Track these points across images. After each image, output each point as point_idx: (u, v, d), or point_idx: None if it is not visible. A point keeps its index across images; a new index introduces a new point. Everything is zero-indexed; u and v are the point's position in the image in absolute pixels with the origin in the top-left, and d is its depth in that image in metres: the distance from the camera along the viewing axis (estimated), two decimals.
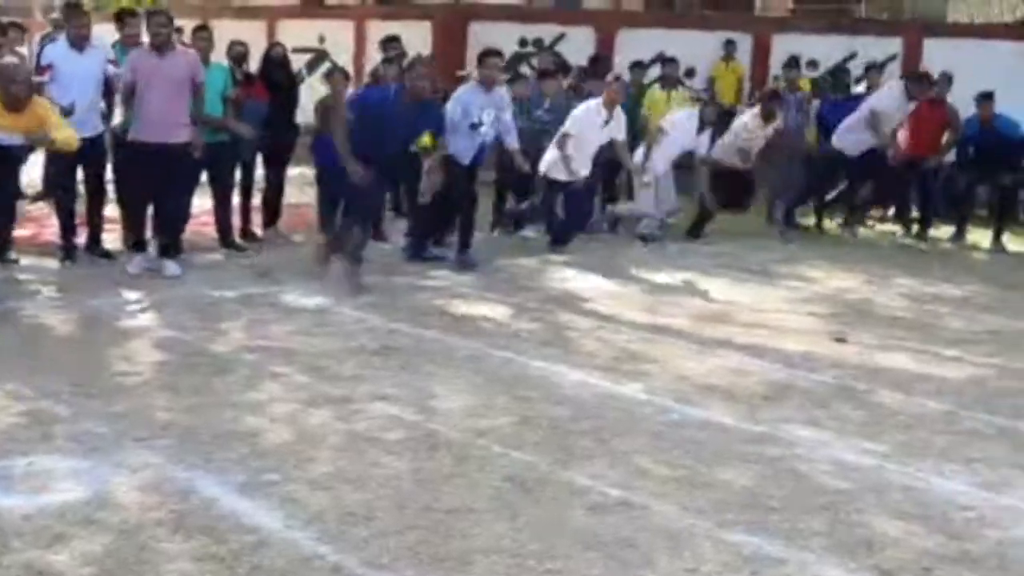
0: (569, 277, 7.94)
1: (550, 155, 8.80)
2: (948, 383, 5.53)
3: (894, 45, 12.11)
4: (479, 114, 7.98)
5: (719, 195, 9.70)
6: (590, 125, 8.79)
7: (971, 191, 10.33)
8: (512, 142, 8.37)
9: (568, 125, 8.77)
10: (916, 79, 9.82)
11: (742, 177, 9.80)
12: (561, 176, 8.79)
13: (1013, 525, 3.79)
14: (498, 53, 8.38)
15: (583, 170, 8.88)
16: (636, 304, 7.13)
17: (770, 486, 4.05)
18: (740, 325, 6.66)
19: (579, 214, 9.10)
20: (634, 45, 12.40)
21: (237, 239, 8.50)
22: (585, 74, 10.60)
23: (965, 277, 8.57)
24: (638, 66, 11.25)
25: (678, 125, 9.47)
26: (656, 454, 4.35)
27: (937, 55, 11.20)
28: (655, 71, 11.58)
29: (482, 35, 12.31)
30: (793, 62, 12.46)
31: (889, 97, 9.91)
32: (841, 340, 6.32)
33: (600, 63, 11.06)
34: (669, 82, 11.07)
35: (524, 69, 12.15)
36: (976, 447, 4.57)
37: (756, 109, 9.86)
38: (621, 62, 11.81)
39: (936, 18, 14.62)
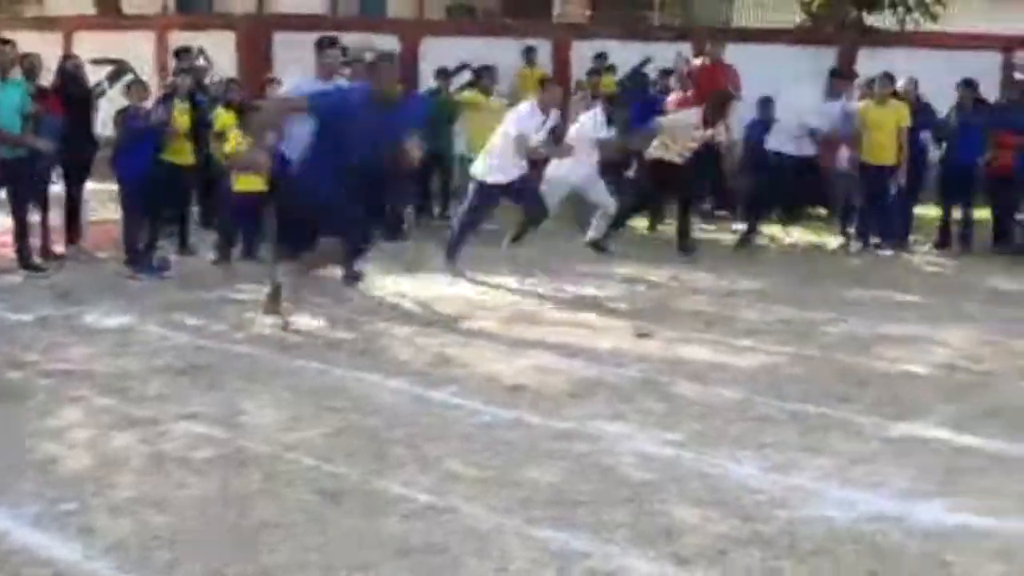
0: (384, 285, 7.94)
1: (486, 161, 8.43)
2: (743, 372, 5.81)
3: (685, 50, 12.58)
4: None
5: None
6: (533, 127, 8.40)
7: (762, 189, 10.83)
8: None
9: (511, 128, 8.35)
10: (839, 75, 9.87)
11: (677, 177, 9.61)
12: (501, 178, 8.37)
13: (801, 505, 4.00)
14: (335, 43, 7.94)
15: (518, 170, 8.45)
16: (450, 308, 7.20)
17: (577, 481, 4.17)
18: (550, 325, 6.82)
19: (539, 206, 8.65)
20: (438, 52, 12.50)
21: (36, 259, 8.16)
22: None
23: (760, 271, 9.00)
24: (442, 73, 11.34)
25: (585, 127, 9.16)
26: (467, 457, 4.42)
27: (726, 58, 11.67)
28: (459, 78, 11.69)
29: (287, 45, 12.17)
30: (599, 64, 12.84)
31: (807, 99, 9.91)
32: (645, 335, 6.55)
33: (405, 71, 11.08)
34: (485, 89, 11.23)
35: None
36: (768, 432, 4.82)
37: (698, 110, 9.73)
38: (426, 69, 11.90)
39: (723, 24, 15.28)
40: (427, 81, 11.67)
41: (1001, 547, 3.61)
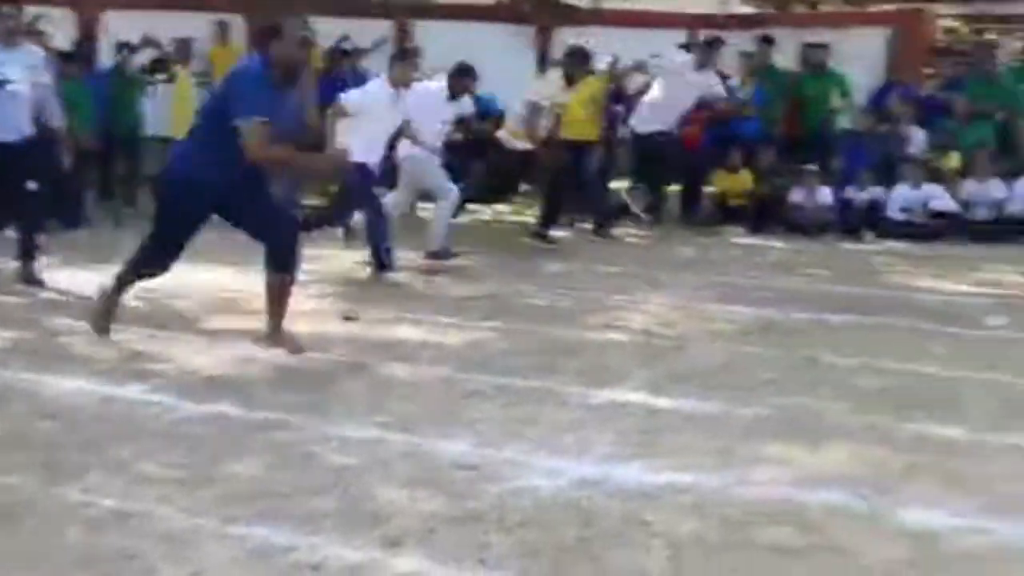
0: (59, 279, 7.31)
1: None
2: (450, 349, 5.77)
3: (385, 27, 12.47)
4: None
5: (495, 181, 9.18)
6: (377, 103, 7.66)
7: (467, 168, 10.91)
8: (54, 114, 7.22)
9: (349, 102, 7.62)
10: (708, 44, 9.66)
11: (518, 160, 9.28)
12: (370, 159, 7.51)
13: (511, 478, 3.97)
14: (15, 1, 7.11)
15: (374, 156, 7.66)
16: (140, 300, 6.73)
17: (279, 473, 3.97)
18: (251, 313, 6.50)
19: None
20: (122, 27, 11.73)
21: None
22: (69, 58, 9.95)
23: (467, 247, 9.02)
24: (125, 48, 10.69)
25: (424, 103, 8.23)
26: (158, 456, 4.11)
27: (428, 36, 11.69)
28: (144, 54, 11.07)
29: None
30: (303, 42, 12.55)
31: (677, 71, 9.76)
32: (351, 318, 6.39)
33: (85, 47, 10.39)
34: (178, 64, 10.71)
35: None
36: (476, 408, 4.78)
37: (555, 72, 9.36)
38: (108, 44, 11.18)
39: (425, 1, 15.23)
40: (108, 57, 10.94)
41: (696, 502, 3.73)
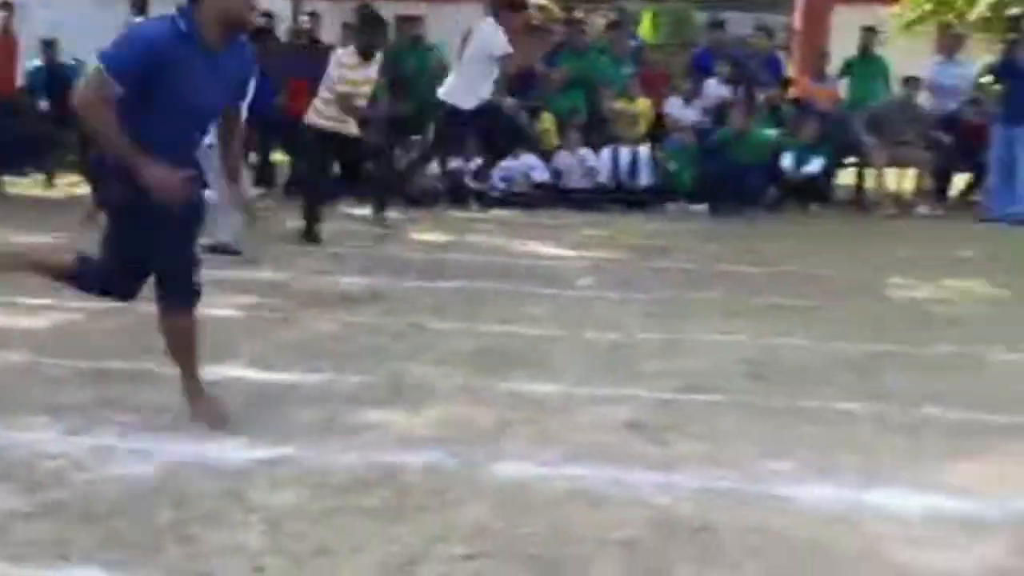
0: None
1: None
2: (34, 333, 5.36)
3: None
4: None
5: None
6: None
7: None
8: None
9: None
10: (508, 6, 8.74)
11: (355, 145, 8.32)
12: None
13: (100, 465, 3.74)
14: None
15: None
16: None
17: None
18: None
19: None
20: None
21: None
22: None
23: (60, 227, 8.41)
24: None
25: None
26: None
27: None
28: None
29: None
30: None
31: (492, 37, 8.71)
32: None
33: None
34: None
35: None
36: (61, 394, 4.45)
37: (347, 47, 8.28)
38: None
39: None
40: None
41: (297, 473, 3.68)
